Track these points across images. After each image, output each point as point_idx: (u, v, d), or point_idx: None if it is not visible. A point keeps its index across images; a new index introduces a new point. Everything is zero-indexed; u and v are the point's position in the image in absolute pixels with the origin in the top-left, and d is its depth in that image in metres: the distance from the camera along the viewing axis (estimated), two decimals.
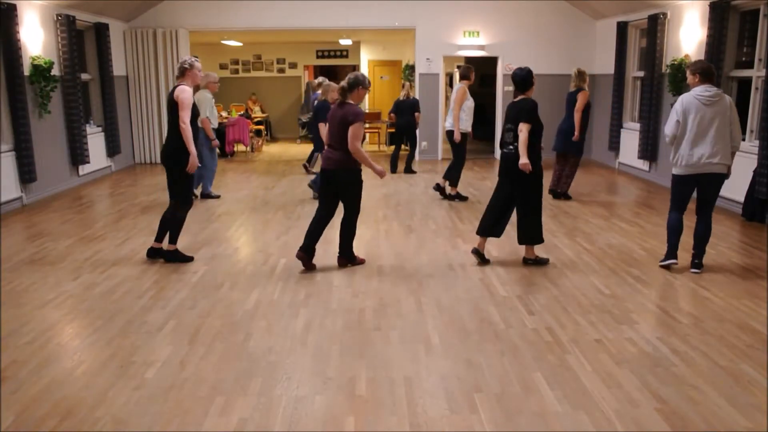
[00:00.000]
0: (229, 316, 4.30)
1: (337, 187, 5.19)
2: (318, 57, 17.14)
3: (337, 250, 5.40)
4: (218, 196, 8.42)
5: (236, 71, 16.93)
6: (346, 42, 15.78)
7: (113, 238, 6.33)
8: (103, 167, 10.32)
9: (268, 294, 4.74)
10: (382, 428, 2.94)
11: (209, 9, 11.38)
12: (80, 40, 9.87)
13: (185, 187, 5.40)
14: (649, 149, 9.49)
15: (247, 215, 7.42)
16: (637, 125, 9.91)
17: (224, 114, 14.24)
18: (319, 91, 9.34)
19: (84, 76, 10.00)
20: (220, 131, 12.69)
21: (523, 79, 5.26)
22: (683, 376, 3.42)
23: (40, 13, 8.48)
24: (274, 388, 3.31)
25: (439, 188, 8.30)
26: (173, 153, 5.26)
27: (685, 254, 5.40)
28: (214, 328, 4.09)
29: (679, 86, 8.53)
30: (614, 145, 10.81)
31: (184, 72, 5.32)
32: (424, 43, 11.70)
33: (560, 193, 8.15)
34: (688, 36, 8.52)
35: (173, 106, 5.22)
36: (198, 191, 8.24)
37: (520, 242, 5.41)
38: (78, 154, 9.28)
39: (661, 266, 5.27)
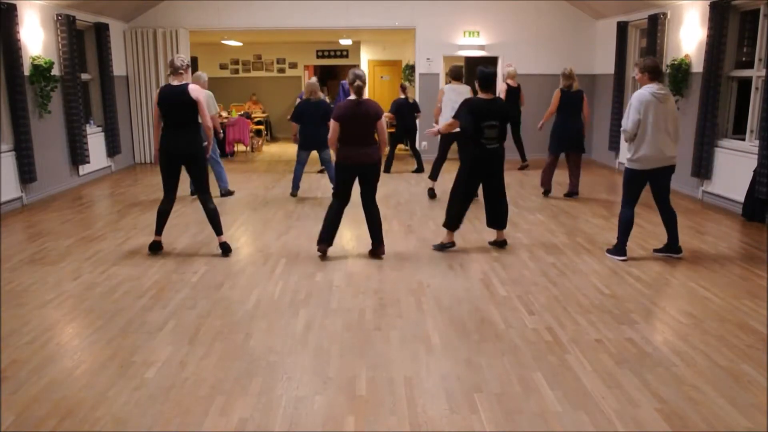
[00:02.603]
0: (229, 316, 4.30)
1: (365, 179, 5.49)
2: (318, 57, 17.14)
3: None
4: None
5: (236, 71, 16.94)
6: (346, 42, 15.79)
7: (113, 238, 6.33)
8: (103, 167, 10.32)
9: (268, 294, 4.74)
10: (382, 428, 2.94)
11: (209, 9, 11.38)
12: (80, 40, 9.87)
13: (207, 177, 5.68)
14: None
15: (247, 215, 7.42)
16: None
17: (224, 114, 14.21)
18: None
19: (84, 76, 10.00)
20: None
21: (493, 77, 5.59)
22: (683, 376, 3.42)
23: (40, 13, 8.48)
24: (274, 388, 3.31)
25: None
26: (197, 149, 5.49)
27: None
28: (214, 328, 4.09)
29: (680, 86, 8.54)
30: (614, 145, 10.81)
31: (187, 70, 5.47)
32: (424, 43, 11.70)
33: (575, 192, 8.28)
34: (688, 36, 8.52)
35: (189, 106, 5.35)
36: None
37: (504, 227, 5.89)
38: (78, 154, 9.28)
39: (621, 260, 5.47)
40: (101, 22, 10.17)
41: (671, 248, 5.56)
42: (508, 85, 10.21)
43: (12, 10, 7.60)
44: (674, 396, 3.21)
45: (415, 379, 3.40)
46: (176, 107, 5.39)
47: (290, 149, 14.46)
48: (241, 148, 13.79)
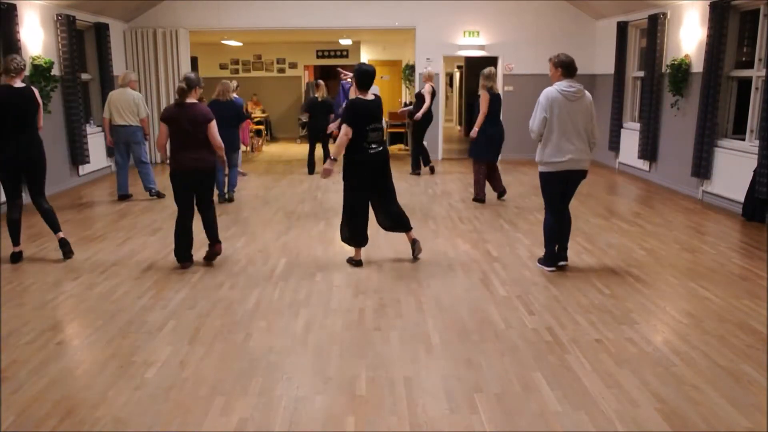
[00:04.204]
0: (229, 316, 4.30)
1: (200, 185, 5.26)
2: (318, 57, 17.14)
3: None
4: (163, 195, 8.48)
5: (236, 71, 16.92)
6: (346, 42, 15.79)
7: (113, 238, 6.33)
8: (103, 167, 10.31)
9: (268, 294, 4.74)
10: (382, 428, 2.94)
11: (209, 9, 11.38)
12: (80, 40, 9.87)
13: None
14: (649, 149, 9.49)
15: (247, 215, 7.42)
16: (637, 125, 9.92)
17: None
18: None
19: (84, 76, 10.00)
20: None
21: (373, 75, 5.14)
22: (683, 376, 3.42)
23: (40, 13, 8.48)
24: (274, 388, 3.31)
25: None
26: (41, 153, 5.41)
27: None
28: (214, 328, 4.09)
29: (680, 86, 8.54)
30: (614, 145, 10.82)
31: (20, 73, 5.25)
32: (424, 43, 11.70)
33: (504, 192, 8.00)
34: (688, 36, 8.52)
35: (32, 108, 5.23)
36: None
37: (409, 227, 5.49)
38: (78, 154, 9.29)
39: (549, 270, 5.17)
40: (101, 22, 10.17)
41: (561, 255, 5.21)
42: (432, 87, 9.81)
43: (12, 10, 7.60)
44: (674, 396, 3.21)
45: (415, 379, 3.40)
46: (18, 109, 5.18)
47: (290, 149, 14.47)
48: (241, 147, 13.77)
